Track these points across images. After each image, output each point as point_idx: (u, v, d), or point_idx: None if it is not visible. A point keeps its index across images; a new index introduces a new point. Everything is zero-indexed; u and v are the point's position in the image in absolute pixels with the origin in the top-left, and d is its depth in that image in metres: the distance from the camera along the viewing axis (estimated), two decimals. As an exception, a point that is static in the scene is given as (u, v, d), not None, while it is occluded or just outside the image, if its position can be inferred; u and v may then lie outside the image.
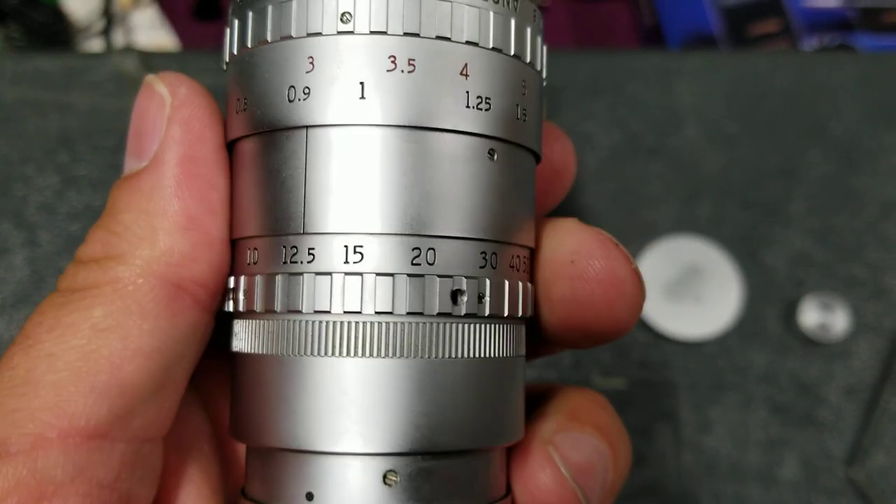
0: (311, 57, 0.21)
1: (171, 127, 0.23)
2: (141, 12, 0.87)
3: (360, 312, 0.21)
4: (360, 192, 0.21)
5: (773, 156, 0.59)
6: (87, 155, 0.56)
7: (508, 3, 0.23)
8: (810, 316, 0.54)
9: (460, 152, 0.22)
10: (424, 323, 0.21)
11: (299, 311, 0.21)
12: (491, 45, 0.22)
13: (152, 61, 0.59)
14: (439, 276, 0.21)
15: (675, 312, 0.54)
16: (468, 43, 0.22)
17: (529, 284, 0.24)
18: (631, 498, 0.51)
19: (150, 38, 0.86)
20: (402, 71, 0.21)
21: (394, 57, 0.21)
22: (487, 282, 0.22)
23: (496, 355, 0.23)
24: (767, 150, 0.60)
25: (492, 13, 0.22)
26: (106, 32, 0.83)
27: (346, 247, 0.21)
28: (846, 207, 0.58)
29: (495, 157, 0.22)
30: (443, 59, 0.21)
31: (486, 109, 0.22)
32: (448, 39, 0.21)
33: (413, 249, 0.21)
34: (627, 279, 0.25)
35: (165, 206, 0.22)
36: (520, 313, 0.23)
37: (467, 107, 0.22)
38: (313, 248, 0.21)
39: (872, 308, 0.56)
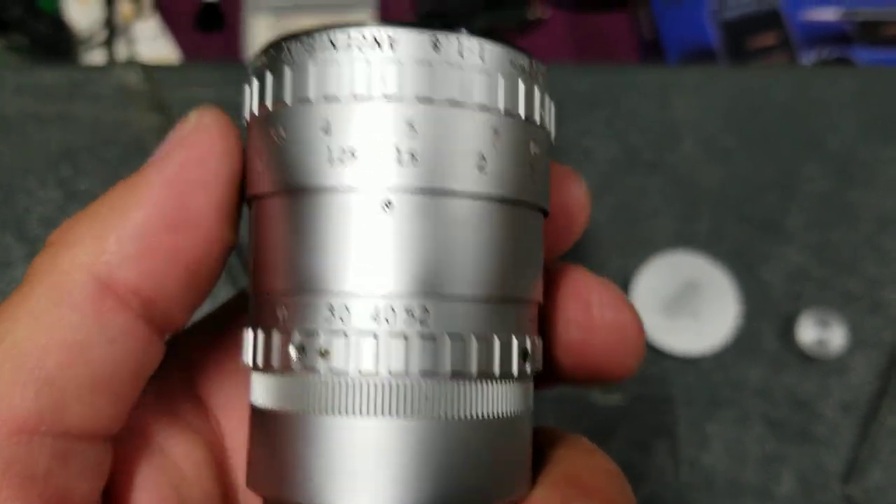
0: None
1: (177, 145, 0.23)
2: (143, 23, 0.88)
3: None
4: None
5: (770, 170, 0.60)
6: (90, 168, 0.56)
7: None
8: (807, 332, 0.55)
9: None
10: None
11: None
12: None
13: (155, 74, 0.60)
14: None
15: (672, 328, 0.55)
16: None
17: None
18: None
19: (151, 48, 0.87)
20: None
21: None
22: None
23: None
24: (764, 164, 0.60)
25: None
26: (108, 43, 0.84)
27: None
28: (843, 222, 0.59)
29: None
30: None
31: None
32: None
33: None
34: (634, 328, 0.26)
35: (129, 208, 0.22)
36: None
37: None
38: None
39: (870, 323, 0.56)
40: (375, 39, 0.21)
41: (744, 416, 0.54)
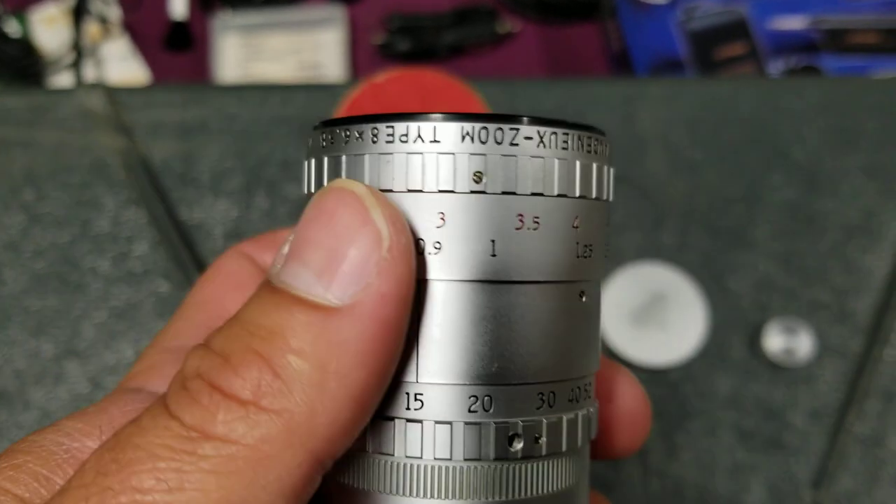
0: (442, 212, 0.22)
1: (384, 281, 0.19)
2: (111, 44, 0.88)
3: (420, 458, 0.22)
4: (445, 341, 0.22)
5: (737, 181, 0.60)
6: (53, 192, 0.56)
7: (594, 149, 0.24)
8: (774, 340, 0.55)
9: (557, 301, 0.23)
10: (482, 467, 0.22)
11: (364, 451, 0.23)
12: (594, 196, 0.23)
13: (119, 96, 0.60)
14: (496, 422, 0.22)
15: (640, 339, 0.55)
16: (581, 197, 0.23)
17: (591, 409, 0.25)
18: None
19: (121, 69, 0.87)
20: (528, 229, 0.22)
21: (521, 216, 0.22)
22: (544, 422, 0.23)
23: (559, 488, 0.23)
24: (730, 175, 0.60)
25: (594, 165, 0.23)
26: (76, 65, 0.83)
27: (407, 394, 0.22)
28: (809, 231, 0.59)
29: (584, 298, 0.24)
30: (560, 215, 0.22)
31: (588, 256, 0.23)
32: (565, 196, 0.22)
33: (470, 398, 0.22)
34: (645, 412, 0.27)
35: (348, 373, 0.19)
36: (578, 444, 0.24)
37: (577, 257, 0.23)
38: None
39: (836, 331, 0.56)
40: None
41: (713, 426, 0.54)
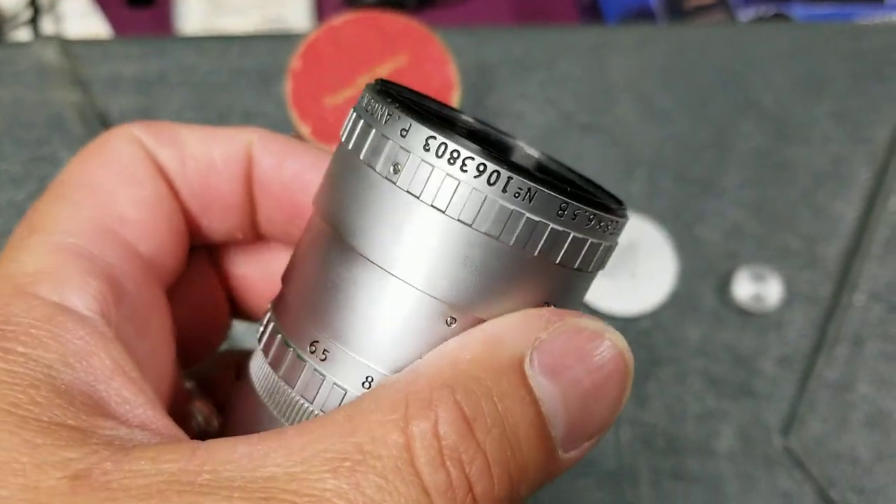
0: None
1: (594, 446, 0.21)
2: (71, 0, 0.85)
3: None
4: None
5: (707, 129, 0.60)
6: (9, 149, 0.55)
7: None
8: (744, 287, 0.55)
9: None
10: None
11: None
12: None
13: (74, 49, 0.58)
14: None
15: (610, 288, 0.54)
16: None
17: None
18: (569, 475, 0.51)
19: (81, 26, 0.85)
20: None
21: None
22: None
23: None
24: (701, 123, 0.60)
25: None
26: (33, 21, 0.81)
27: None
28: (779, 179, 0.59)
29: None
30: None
31: None
32: None
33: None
34: None
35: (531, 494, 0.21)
36: None
37: None
38: None
39: (806, 277, 0.56)
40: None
41: (683, 374, 0.54)
